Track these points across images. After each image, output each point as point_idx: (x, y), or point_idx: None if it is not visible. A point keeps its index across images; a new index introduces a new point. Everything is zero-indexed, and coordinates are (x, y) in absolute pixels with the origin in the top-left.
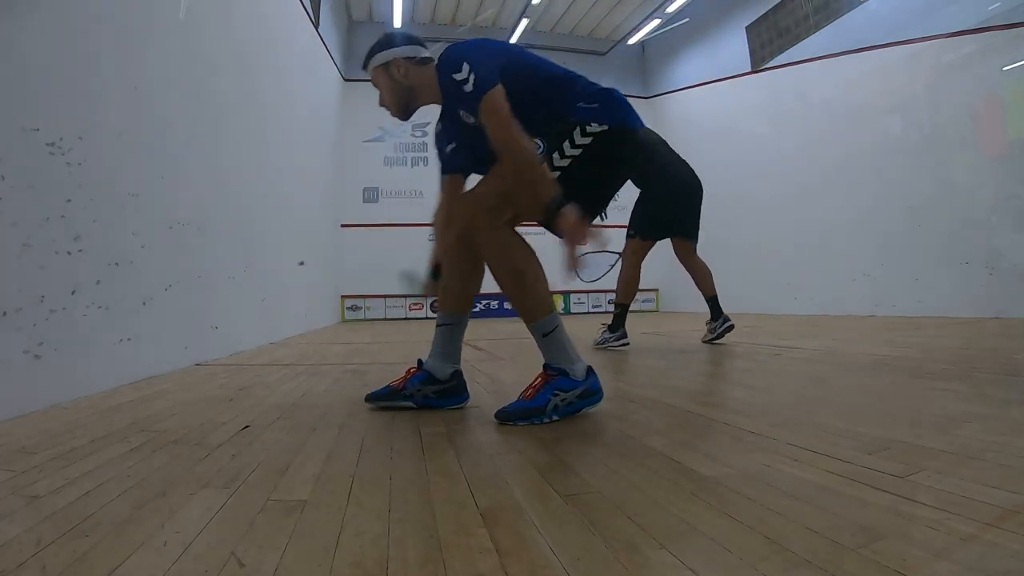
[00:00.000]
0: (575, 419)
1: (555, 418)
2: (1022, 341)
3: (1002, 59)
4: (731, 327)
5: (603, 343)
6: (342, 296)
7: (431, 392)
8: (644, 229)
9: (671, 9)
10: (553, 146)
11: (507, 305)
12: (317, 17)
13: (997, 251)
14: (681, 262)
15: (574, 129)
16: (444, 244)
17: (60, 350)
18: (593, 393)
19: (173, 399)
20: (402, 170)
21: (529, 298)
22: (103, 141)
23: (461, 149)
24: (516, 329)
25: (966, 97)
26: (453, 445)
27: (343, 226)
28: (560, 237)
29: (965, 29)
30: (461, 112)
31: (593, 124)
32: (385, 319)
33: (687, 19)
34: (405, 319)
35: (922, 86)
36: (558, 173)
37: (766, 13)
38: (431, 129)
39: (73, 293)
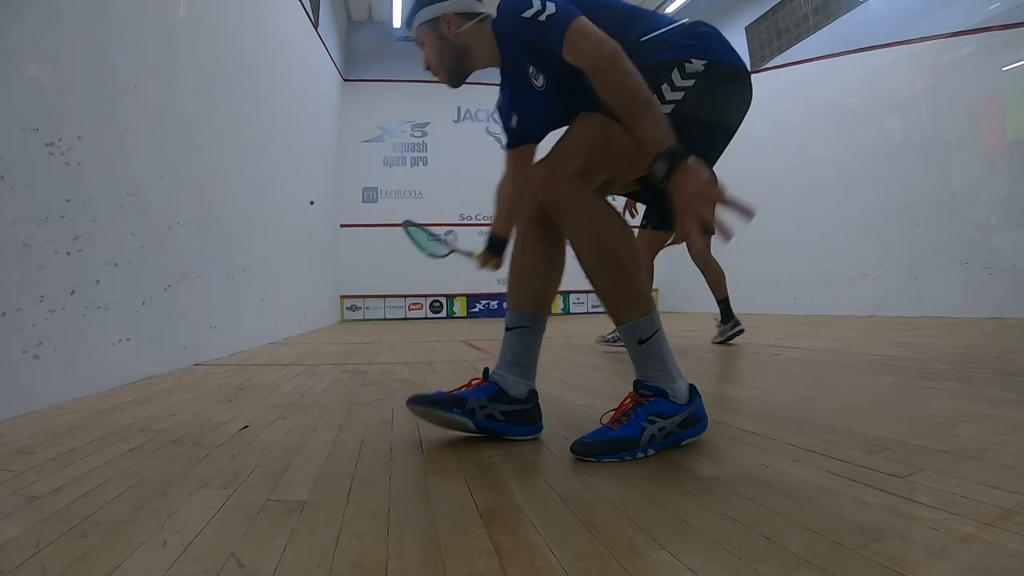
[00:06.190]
0: (573, 418)
1: (651, 452)
2: (1022, 341)
3: (1002, 59)
4: (741, 331)
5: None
6: (342, 296)
7: (499, 412)
8: (659, 219)
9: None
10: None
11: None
12: (317, 17)
13: (997, 251)
14: (695, 262)
15: (672, 70)
16: (514, 224)
17: (60, 350)
18: (698, 421)
19: (172, 399)
20: (401, 170)
21: (623, 288)
22: (103, 141)
23: (528, 118)
24: None
25: (966, 97)
26: (453, 445)
27: (343, 226)
28: (669, 201)
29: (965, 29)
30: (531, 71)
31: (694, 61)
32: (385, 319)
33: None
34: (405, 319)
35: (922, 86)
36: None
37: (766, 13)
38: (431, 129)
39: (72, 293)
